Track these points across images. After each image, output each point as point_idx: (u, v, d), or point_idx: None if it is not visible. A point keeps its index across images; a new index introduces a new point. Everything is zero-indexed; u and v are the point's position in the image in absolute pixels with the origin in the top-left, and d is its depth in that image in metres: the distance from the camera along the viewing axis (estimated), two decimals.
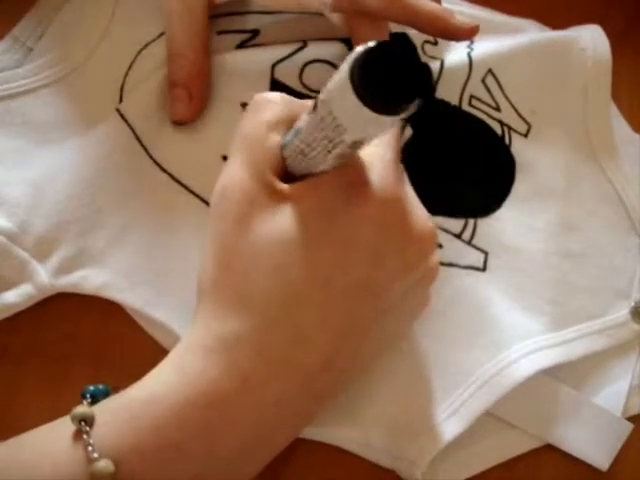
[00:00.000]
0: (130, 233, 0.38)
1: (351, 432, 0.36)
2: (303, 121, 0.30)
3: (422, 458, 0.36)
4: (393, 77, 0.25)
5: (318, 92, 0.41)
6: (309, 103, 0.32)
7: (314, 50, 0.42)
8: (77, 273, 0.37)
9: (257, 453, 0.31)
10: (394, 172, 0.32)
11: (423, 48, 0.44)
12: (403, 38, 0.25)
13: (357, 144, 0.29)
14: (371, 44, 0.25)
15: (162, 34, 0.42)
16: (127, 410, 0.29)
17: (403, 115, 0.26)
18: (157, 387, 0.30)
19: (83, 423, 0.28)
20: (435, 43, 0.44)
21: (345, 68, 0.26)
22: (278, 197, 0.31)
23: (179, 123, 0.40)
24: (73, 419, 0.28)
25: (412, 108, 0.26)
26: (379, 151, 0.32)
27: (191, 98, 0.40)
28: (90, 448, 0.27)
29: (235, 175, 0.32)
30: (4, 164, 0.38)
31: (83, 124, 0.40)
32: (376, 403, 0.36)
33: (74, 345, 0.37)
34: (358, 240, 0.31)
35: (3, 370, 0.37)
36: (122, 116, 0.40)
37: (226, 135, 0.40)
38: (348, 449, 0.36)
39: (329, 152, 0.29)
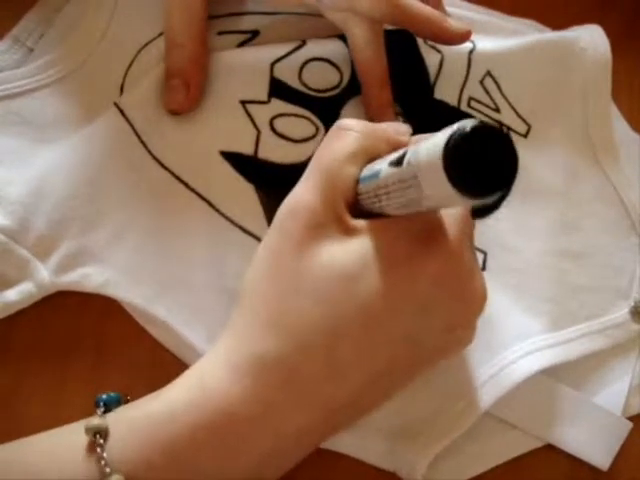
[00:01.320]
0: (130, 231, 0.38)
1: (349, 437, 0.36)
2: (384, 170, 0.30)
3: (422, 459, 0.36)
4: (487, 166, 0.25)
5: (317, 91, 0.42)
6: (388, 139, 0.33)
7: (313, 48, 0.42)
8: (78, 271, 0.37)
9: (268, 474, 0.31)
10: (463, 231, 0.32)
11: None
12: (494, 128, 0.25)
13: (435, 209, 0.29)
14: (465, 127, 0.25)
15: (161, 34, 0.42)
16: (144, 424, 0.29)
17: (490, 199, 0.26)
18: (177, 403, 0.29)
19: (98, 436, 0.28)
20: None
21: (439, 146, 0.25)
22: (346, 230, 0.31)
23: (175, 113, 0.40)
24: (87, 431, 0.28)
25: (501, 193, 0.26)
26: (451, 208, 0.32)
27: (188, 88, 0.40)
28: (103, 462, 0.27)
29: (308, 198, 0.32)
30: (4, 164, 0.39)
31: (83, 124, 0.40)
32: None
33: (75, 344, 0.37)
34: (414, 294, 0.30)
35: (4, 368, 0.37)
36: (121, 111, 0.40)
37: (225, 132, 0.41)
38: (347, 453, 0.36)
39: (404, 207, 0.29)
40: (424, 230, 0.31)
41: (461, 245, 0.31)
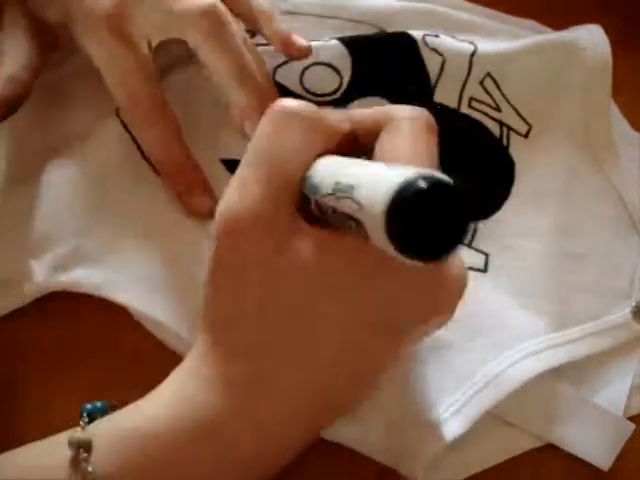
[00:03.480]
0: (128, 234, 0.38)
1: (351, 430, 0.36)
2: (324, 190, 0.27)
3: (423, 457, 0.35)
4: (431, 230, 0.23)
5: (317, 95, 0.42)
6: (338, 117, 0.31)
7: (314, 53, 0.42)
8: (74, 272, 0.37)
9: (260, 472, 0.31)
10: None
11: (424, 40, 0.44)
12: (444, 185, 0.23)
13: None
14: (413, 184, 0.22)
15: None
16: (126, 438, 0.29)
17: (438, 261, 0.24)
18: (156, 416, 0.29)
19: (81, 450, 0.28)
20: (436, 35, 0.44)
21: (382, 197, 0.23)
22: (300, 235, 0.29)
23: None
24: (70, 445, 0.28)
25: (447, 257, 0.24)
26: None
27: (194, 189, 0.39)
28: (89, 477, 0.27)
29: (255, 204, 0.29)
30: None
31: (83, 128, 0.40)
32: (376, 401, 0.36)
33: (77, 344, 0.37)
34: (382, 296, 0.29)
35: (3, 369, 0.37)
36: (121, 120, 0.40)
37: (225, 139, 0.40)
38: (349, 446, 0.36)
39: (347, 228, 0.27)
40: None
41: None
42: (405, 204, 0.22)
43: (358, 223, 0.25)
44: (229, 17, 0.37)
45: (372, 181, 0.24)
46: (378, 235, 0.23)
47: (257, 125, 0.31)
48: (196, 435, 0.29)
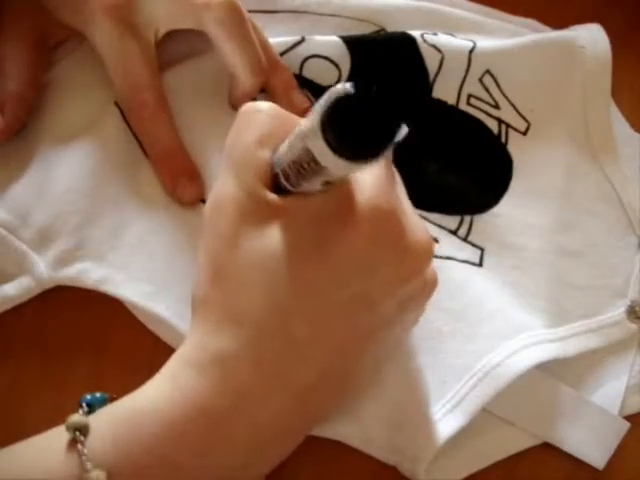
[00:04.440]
0: (129, 227, 0.38)
1: (351, 428, 0.36)
2: (287, 146, 0.30)
3: (424, 454, 0.35)
4: (364, 125, 0.25)
5: (317, 86, 0.42)
6: (299, 119, 0.32)
7: (312, 45, 0.42)
8: (76, 266, 0.37)
9: (250, 468, 0.31)
10: (386, 184, 0.31)
11: (423, 37, 0.44)
12: (371, 84, 0.25)
13: (340, 178, 0.29)
14: (340, 90, 0.24)
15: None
16: (122, 422, 0.29)
17: (380, 158, 0.25)
18: (153, 401, 0.30)
19: (78, 432, 0.28)
20: (435, 34, 0.44)
21: (316, 114, 0.25)
22: (269, 209, 0.31)
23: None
24: (68, 428, 0.28)
25: (388, 151, 0.25)
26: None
27: (194, 179, 0.39)
28: (84, 458, 0.27)
29: (227, 189, 0.31)
30: (5, 159, 0.39)
31: (83, 119, 0.40)
32: (375, 398, 0.36)
33: (75, 339, 0.38)
34: (352, 255, 0.30)
35: (4, 366, 0.37)
36: (121, 111, 0.40)
37: (227, 130, 0.40)
38: (350, 444, 0.36)
39: (314, 180, 0.29)
40: (344, 194, 0.30)
41: (387, 199, 0.31)
42: (335, 109, 0.24)
43: (311, 161, 0.27)
44: (244, 9, 0.38)
45: (311, 112, 0.26)
46: (320, 148, 0.25)
47: None
48: (191, 418, 0.29)
